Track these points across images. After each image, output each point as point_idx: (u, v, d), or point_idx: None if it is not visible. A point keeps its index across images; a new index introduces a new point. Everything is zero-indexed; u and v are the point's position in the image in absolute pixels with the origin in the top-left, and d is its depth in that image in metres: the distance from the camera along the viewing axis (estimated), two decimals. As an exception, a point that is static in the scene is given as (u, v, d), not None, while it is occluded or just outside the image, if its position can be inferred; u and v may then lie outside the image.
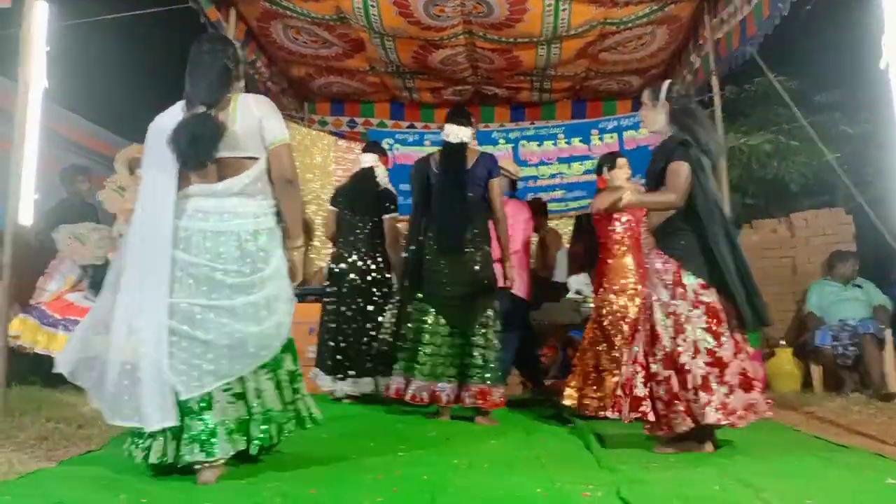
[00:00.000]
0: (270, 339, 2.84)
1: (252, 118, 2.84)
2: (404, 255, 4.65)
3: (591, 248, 4.90)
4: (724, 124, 6.68)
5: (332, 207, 5.38)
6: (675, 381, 3.37)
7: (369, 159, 5.32)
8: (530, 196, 7.06)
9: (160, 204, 2.79)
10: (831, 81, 9.09)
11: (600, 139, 7.35)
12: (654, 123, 3.64)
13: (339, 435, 3.72)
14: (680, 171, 3.39)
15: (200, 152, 2.77)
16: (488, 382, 4.26)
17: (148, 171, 2.90)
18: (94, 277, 5.22)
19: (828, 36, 8.60)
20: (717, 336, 3.37)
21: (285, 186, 2.88)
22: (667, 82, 3.65)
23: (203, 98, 2.85)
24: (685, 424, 3.32)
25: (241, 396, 2.78)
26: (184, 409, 2.68)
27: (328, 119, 8.76)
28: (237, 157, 2.84)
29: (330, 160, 7.70)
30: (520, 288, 5.09)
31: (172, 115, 2.87)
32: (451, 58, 7.18)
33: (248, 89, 7.56)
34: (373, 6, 6.04)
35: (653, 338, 3.48)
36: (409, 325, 4.41)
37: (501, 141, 7.61)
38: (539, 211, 6.54)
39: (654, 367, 3.44)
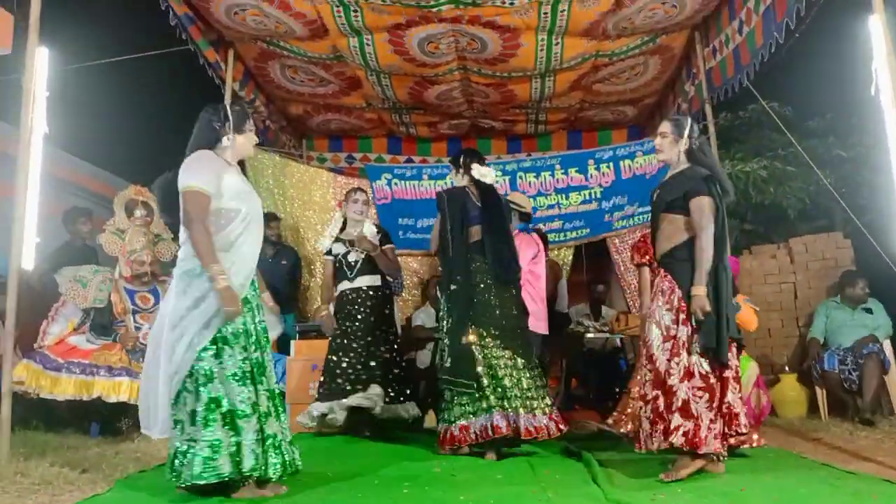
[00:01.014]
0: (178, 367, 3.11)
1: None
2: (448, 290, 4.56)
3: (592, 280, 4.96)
4: (720, 151, 6.74)
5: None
6: (661, 402, 3.50)
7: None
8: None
9: None
10: (823, 106, 9.15)
11: (597, 169, 7.37)
12: (669, 154, 3.82)
13: (343, 472, 3.70)
14: (704, 204, 3.58)
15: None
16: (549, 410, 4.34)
17: None
18: (96, 320, 5.22)
19: (818, 62, 8.69)
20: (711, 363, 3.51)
21: (184, 231, 3.22)
22: (689, 120, 3.82)
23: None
24: (663, 444, 3.48)
25: None
26: None
27: (326, 155, 8.83)
28: None
29: (329, 196, 7.73)
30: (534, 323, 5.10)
31: None
32: (446, 93, 7.26)
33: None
34: (368, 45, 6.13)
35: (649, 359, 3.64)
36: (485, 361, 4.27)
37: (498, 173, 7.64)
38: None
39: (644, 388, 3.63)
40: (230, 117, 3.32)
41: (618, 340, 6.30)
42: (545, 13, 5.60)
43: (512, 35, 5.96)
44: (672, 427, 3.41)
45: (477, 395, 4.23)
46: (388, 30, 5.91)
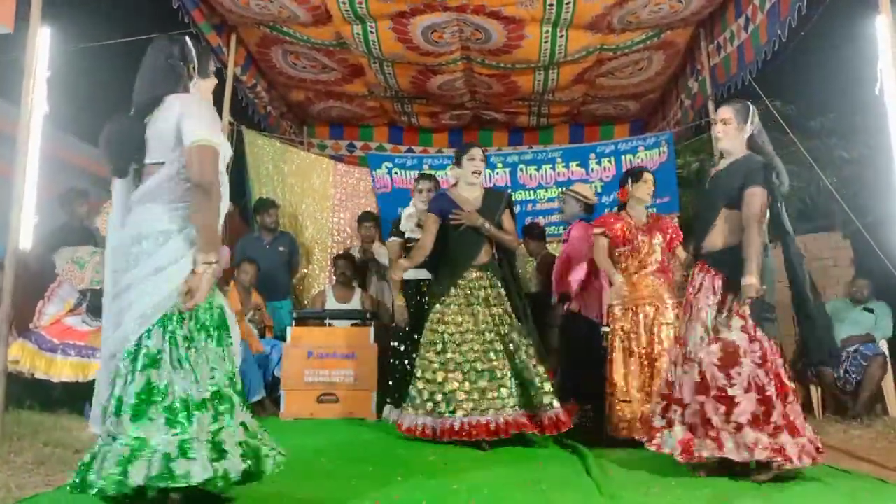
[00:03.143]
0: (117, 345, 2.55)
1: (169, 120, 2.59)
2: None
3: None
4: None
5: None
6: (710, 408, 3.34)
7: None
8: (528, 220, 7.07)
9: (112, 217, 2.73)
10: (826, 106, 9.15)
11: (598, 163, 7.36)
12: (732, 142, 3.59)
13: (338, 459, 3.71)
14: (756, 196, 3.43)
15: (114, 160, 2.65)
16: None
17: (114, 183, 2.77)
18: (92, 301, 5.21)
19: (822, 61, 8.68)
20: (767, 374, 3.34)
21: (196, 193, 2.56)
22: (751, 105, 3.62)
23: (137, 100, 2.70)
24: (714, 453, 3.31)
25: None
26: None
27: (327, 143, 8.81)
28: (151, 163, 2.64)
29: (329, 184, 7.73)
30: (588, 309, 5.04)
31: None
32: (449, 83, 7.23)
33: (247, 113, 7.60)
34: (372, 32, 6.10)
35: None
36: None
37: (499, 165, 7.63)
38: (536, 235, 6.55)
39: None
40: (194, 57, 2.75)
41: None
42: (550, 4, 5.57)
43: (517, 26, 5.93)
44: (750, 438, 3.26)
45: None
46: (392, 17, 5.88)
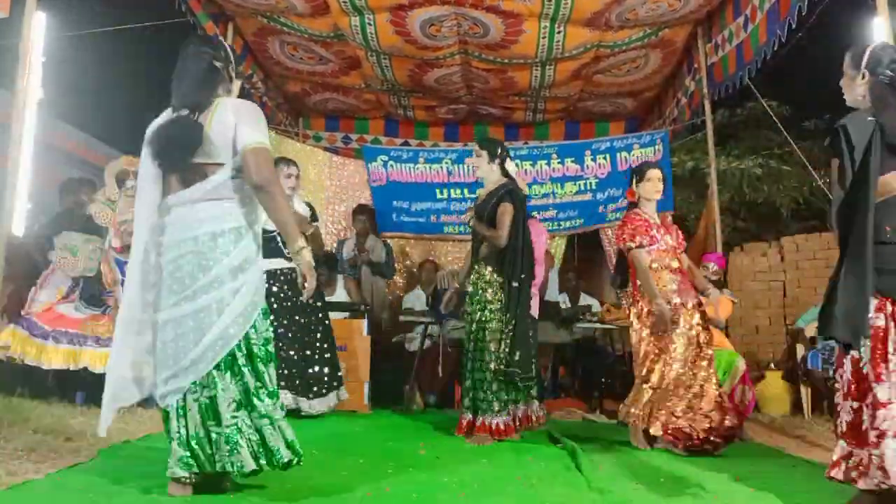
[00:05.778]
0: (209, 349, 2.68)
1: (226, 123, 2.74)
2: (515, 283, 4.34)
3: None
4: (716, 148, 6.76)
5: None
6: None
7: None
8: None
9: (143, 214, 2.83)
10: (821, 108, 9.19)
11: (593, 160, 7.37)
12: (850, 94, 2.94)
13: (328, 452, 3.71)
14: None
15: (174, 157, 2.74)
16: None
17: (139, 180, 2.89)
18: (85, 289, 5.19)
19: (819, 62, 8.70)
20: None
21: (258, 194, 2.75)
22: (871, 47, 2.84)
23: (185, 101, 2.79)
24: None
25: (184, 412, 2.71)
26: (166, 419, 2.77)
27: (323, 135, 8.79)
28: (209, 164, 2.75)
29: (324, 176, 7.72)
30: None
31: (160, 121, 2.85)
32: (446, 77, 7.22)
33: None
34: (370, 24, 6.09)
35: None
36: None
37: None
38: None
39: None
40: (232, 59, 2.93)
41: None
42: (549, 0, 5.57)
43: (514, 21, 5.93)
44: None
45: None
46: (391, 10, 5.87)
